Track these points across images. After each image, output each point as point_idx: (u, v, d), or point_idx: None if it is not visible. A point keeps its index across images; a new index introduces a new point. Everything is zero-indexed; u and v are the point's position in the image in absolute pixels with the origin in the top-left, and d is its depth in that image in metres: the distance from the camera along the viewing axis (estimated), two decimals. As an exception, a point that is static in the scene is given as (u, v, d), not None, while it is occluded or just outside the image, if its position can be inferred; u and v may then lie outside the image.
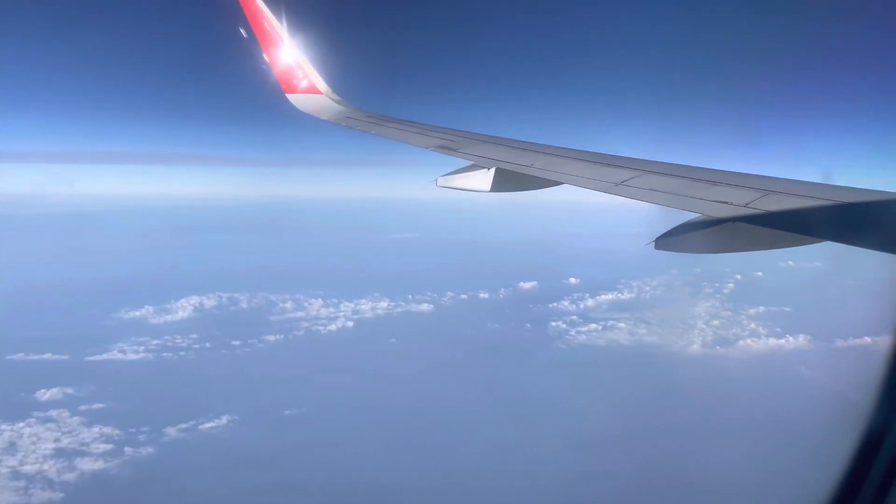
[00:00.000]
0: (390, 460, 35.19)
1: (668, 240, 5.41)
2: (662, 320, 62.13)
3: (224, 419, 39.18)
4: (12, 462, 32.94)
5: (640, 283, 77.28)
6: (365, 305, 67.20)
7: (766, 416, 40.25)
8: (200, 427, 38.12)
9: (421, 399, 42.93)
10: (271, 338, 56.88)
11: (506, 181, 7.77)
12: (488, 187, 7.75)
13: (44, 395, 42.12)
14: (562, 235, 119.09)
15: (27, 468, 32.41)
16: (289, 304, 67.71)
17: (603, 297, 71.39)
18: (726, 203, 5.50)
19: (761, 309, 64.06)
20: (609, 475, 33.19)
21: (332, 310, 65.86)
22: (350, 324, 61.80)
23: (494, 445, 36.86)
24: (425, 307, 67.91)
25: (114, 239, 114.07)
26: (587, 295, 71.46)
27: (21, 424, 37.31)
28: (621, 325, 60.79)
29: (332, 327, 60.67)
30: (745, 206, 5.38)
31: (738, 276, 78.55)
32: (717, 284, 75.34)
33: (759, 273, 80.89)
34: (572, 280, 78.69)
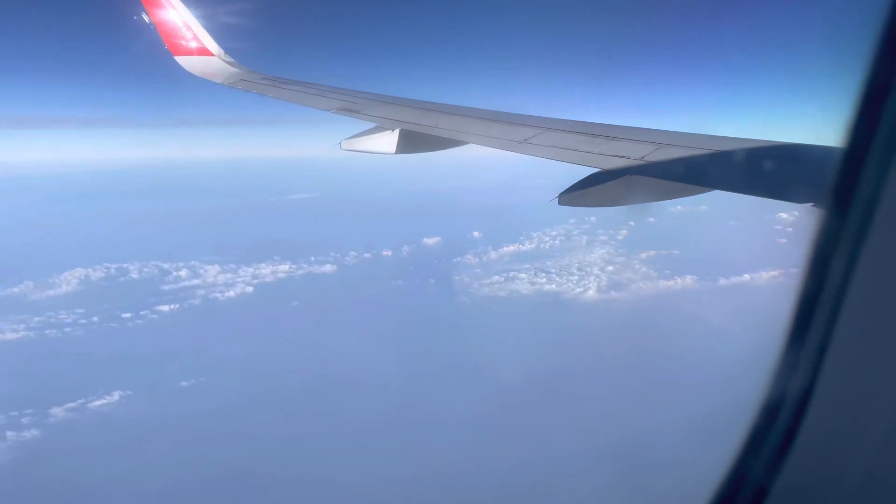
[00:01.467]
0: (293, 427, 34.77)
1: (571, 195, 5.57)
2: (560, 269, 64.06)
3: (116, 395, 37.42)
4: None
5: (540, 234, 79.23)
6: (265, 270, 65.43)
7: (657, 351, 42.58)
8: (90, 405, 36.26)
9: (325, 362, 42.52)
10: (165, 308, 54.49)
11: (411, 142, 7.74)
12: (394, 149, 7.70)
13: (-90, 383, 38.65)
14: (466, 191, 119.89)
15: None
16: (183, 273, 64.94)
17: (505, 249, 72.71)
18: (624, 157, 5.71)
19: (652, 253, 67.17)
20: (514, 421, 34.14)
21: (230, 276, 63.73)
22: (249, 289, 60.10)
23: (401, 402, 37.01)
24: (328, 268, 66.94)
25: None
26: (490, 248, 72.56)
27: None
28: (522, 275, 62.21)
29: (231, 294, 58.80)
30: (641, 159, 5.58)
31: (631, 223, 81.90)
32: (611, 232, 78.31)
33: (651, 219, 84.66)
34: (475, 234, 79.57)
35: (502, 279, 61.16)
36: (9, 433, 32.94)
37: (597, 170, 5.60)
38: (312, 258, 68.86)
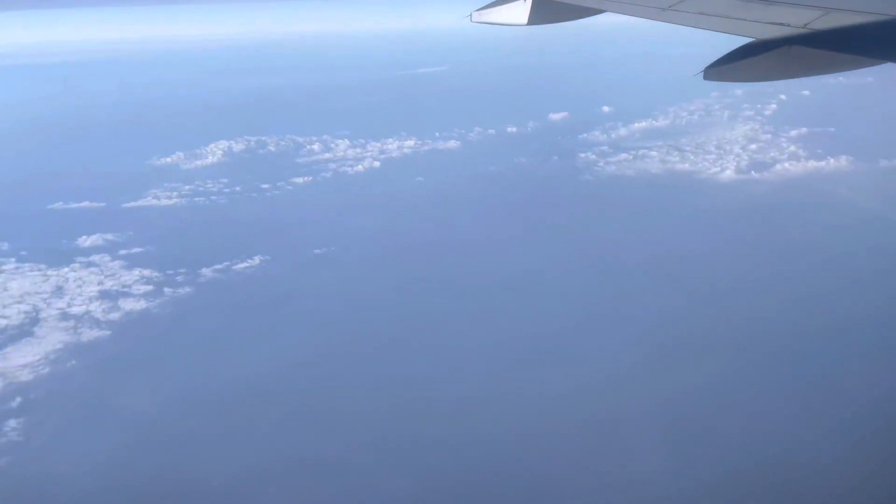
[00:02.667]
0: (416, 291, 36.32)
1: (719, 69, 4.99)
2: (696, 146, 60.17)
3: (257, 259, 40.45)
4: (61, 304, 35.00)
5: (676, 109, 74.30)
6: (391, 145, 66.47)
7: (800, 240, 39.85)
8: (234, 268, 39.51)
9: (446, 233, 43.53)
10: (299, 180, 57.24)
11: (544, 12, 7.44)
12: (525, 20, 7.45)
13: (85, 241, 43.80)
14: (599, 64, 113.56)
15: (75, 309, 34.45)
16: (316, 146, 67.40)
17: (636, 125, 69.06)
18: (782, 24, 5.08)
19: (804, 130, 61.30)
20: (639, 304, 33.73)
21: (358, 150, 65.41)
22: (377, 164, 61.53)
23: (518, 275, 37.45)
24: (452, 144, 66.88)
25: (138, 86, 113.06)
26: (620, 124, 69.19)
27: (66, 269, 39.21)
28: (653, 153, 59.14)
29: (360, 168, 60.55)
30: (804, 27, 4.94)
31: (783, 97, 74.67)
32: (758, 106, 71.94)
33: (806, 92, 76.69)
34: (605, 109, 75.93)
35: (630, 157, 58.51)
36: (166, 289, 36.84)
37: (750, 39, 4.98)
38: (437, 134, 68.96)
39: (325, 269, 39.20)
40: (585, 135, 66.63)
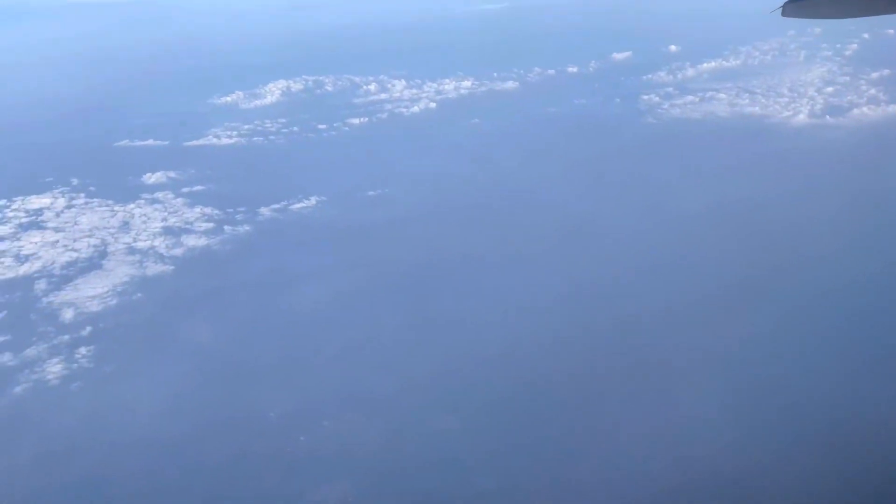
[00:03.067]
0: (474, 232, 36.24)
1: (800, 5, 4.68)
2: (768, 89, 57.17)
3: (313, 199, 40.98)
4: (127, 239, 36.39)
5: (749, 48, 70.52)
6: (448, 85, 65.50)
7: (875, 186, 37.83)
8: (291, 207, 40.17)
9: (498, 176, 43.05)
10: (356, 121, 57.21)
11: None
12: None
13: (150, 178, 45.15)
14: (668, 2, 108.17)
15: (140, 244, 35.78)
16: (373, 87, 67.01)
17: (705, 65, 65.95)
18: None
19: (886, 72, 57.44)
20: (697, 252, 32.84)
21: (415, 91, 64.74)
22: (433, 105, 60.84)
23: (572, 218, 36.83)
24: (510, 85, 65.45)
25: (198, 25, 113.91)
26: (687, 64, 66.21)
27: (132, 205, 40.62)
28: (721, 95, 56.57)
29: (416, 109, 60.00)
30: None
31: (865, 36, 69.82)
32: (838, 46, 67.55)
33: (891, 31, 71.49)
34: (672, 48, 72.64)
35: (697, 99, 56.12)
36: (226, 227, 37.82)
37: None
38: (495, 74, 67.51)
39: (379, 211, 39.44)
40: (650, 75, 64.13)
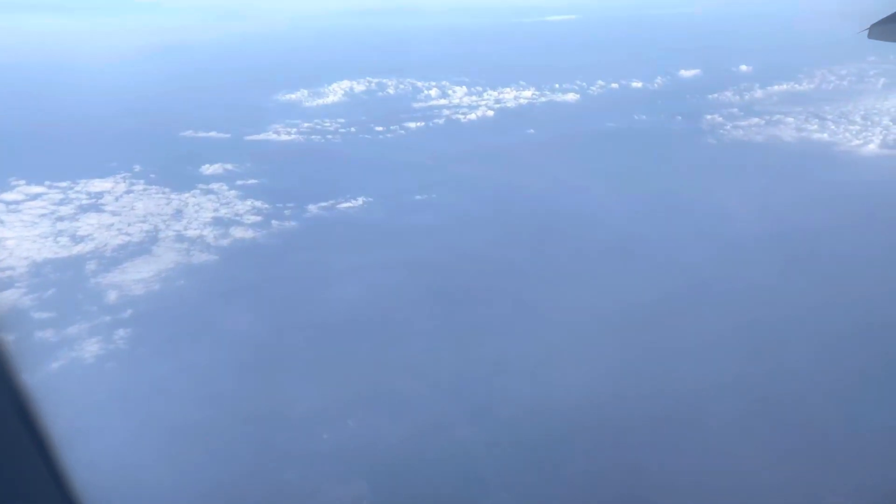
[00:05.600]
0: (519, 243, 35.86)
1: (887, 27, 4.31)
2: (840, 115, 54.76)
3: (360, 200, 41.38)
4: (178, 227, 37.52)
5: (824, 72, 67.82)
6: (508, 94, 65.28)
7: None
8: (338, 206, 40.65)
9: (550, 187, 42.50)
10: (412, 124, 57.59)
11: None
12: None
13: (208, 169, 46.52)
14: (743, 19, 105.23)
15: (190, 233, 36.83)
16: (433, 91, 67.43)
17: (775, 87, 63.76)
18: None
19: (973, 105, 54.36)
20: (747, 282, 31.67)
21: (474, 98, 64.80)
22: (490, 112, 60.73)
23: (621, 239, 36.07)
24: (571, 97, 64.76)
25: (271, 25, 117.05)
26: (756, 85, 64.15)
27: (187, 195, 41.89)
28: (789, 119, 54.50)
29: (473, 116, 60.02)
30: None
31: (953, 65, 66.28)
32: (922, 73, 64.39)
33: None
34: (743, 68, 70.54)
35: (762, 122, 54.22)
36: (273, 221, 38.55)
37: None
38: (557, 85, 66.91)
39: (423, 215, 39.49)
40: (716, 94, 62.41)
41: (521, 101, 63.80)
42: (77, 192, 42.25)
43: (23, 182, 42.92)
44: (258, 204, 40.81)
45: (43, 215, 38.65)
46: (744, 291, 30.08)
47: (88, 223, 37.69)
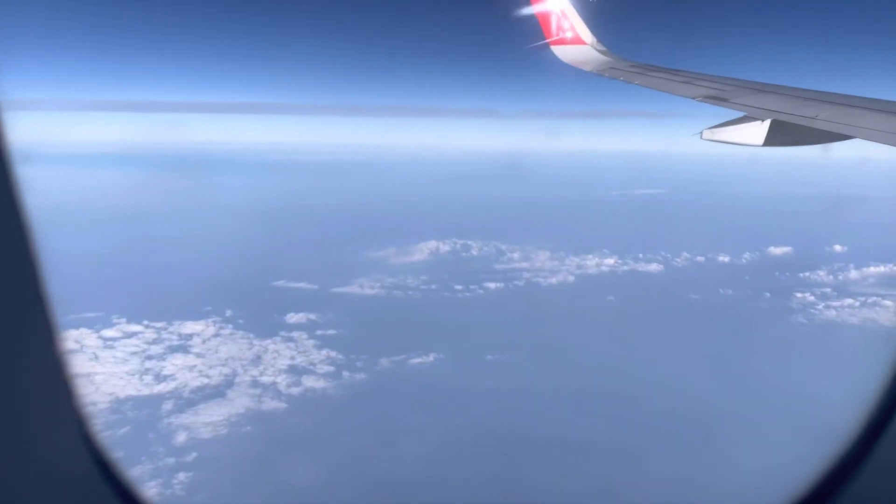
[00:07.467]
0: (591, 415, 34.72)
1: None
2: (944, 302, 51.72)
3: (431, 357, 41.71)
4: (254, 372, 38.82)
5: (926, 254, 64.95)
6: (591, 261, 65.91)
7: None
8: (409, 361, 41.08)
9: (624, 357, 41.42)
10: (492, 285, 58.70)
11: (782, 134, 7.05)
12: (761, 141, 7.06)
13: (292, 318, 48.54)
14: (838, 197, 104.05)
15: (265, 379, 37.97)
16: (516, 255, 69.04)
17: (872, 269, 61.29)
18: None
19: None
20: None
21: (556, 263, 65.72)
22: (571, 278, 61.20)
23: (698, 418, 34.32)
24: (654, 267, 64.55)
25: (377, 185, 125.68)
26: (851, 265, 61.93)
27: (268, 341, 43.61)
28: (886, 302, 51.82)
29: (553, 280, 60.64)
30: None
31: None
32: None
33: None
34: (837, 248, 68.65)
35: (858, 304, 51.74)
36: (345, 373, 39.25)
37: None
38: (640, 255, 67.13)
39: (493, 377, 39.15)
40: (808, 273, 60.53)
41: (603, 268, 64.15)
42: (170, 332, 44.87)
43: (123, 320, 46.12)
44: (333, 354, 41.86)
45: (134, 353, 41.06)
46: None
47: (174, 363, 39.65)
